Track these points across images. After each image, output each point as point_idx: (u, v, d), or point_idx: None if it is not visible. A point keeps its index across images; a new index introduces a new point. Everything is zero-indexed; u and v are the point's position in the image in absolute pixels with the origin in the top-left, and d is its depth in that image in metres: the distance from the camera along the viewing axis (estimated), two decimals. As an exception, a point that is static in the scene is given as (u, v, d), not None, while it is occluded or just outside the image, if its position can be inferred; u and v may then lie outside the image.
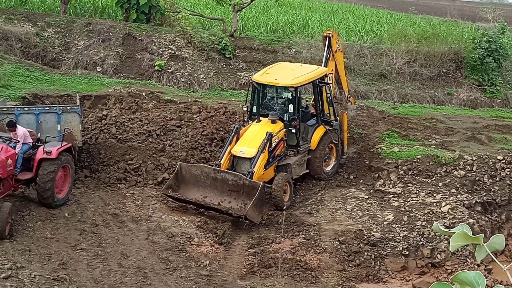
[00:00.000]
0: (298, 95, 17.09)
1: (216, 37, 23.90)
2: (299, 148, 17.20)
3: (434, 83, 24.65)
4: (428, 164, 17.19)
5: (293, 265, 13.95)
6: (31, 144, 14.98)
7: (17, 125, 14.83)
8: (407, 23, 30.21)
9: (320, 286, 13.37)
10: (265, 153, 15.92)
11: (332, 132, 17.90)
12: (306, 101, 18.25)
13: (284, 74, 17.47)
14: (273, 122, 16.72)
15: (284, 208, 15.78)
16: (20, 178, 14.59)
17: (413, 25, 29.19)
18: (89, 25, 23.06)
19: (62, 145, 15.06)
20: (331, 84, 18.17)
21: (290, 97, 17.18)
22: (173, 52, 23.02)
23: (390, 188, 16.75)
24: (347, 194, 16.75)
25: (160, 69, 22.24)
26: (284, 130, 16.83)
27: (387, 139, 19.13)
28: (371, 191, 16.86)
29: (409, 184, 16.72)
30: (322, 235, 14.96)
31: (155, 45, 23.07)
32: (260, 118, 16.95)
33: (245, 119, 17.51)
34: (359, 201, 16.32)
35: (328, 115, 18.08)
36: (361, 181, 17.45)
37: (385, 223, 15.35)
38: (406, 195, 16.32)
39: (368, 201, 16.33)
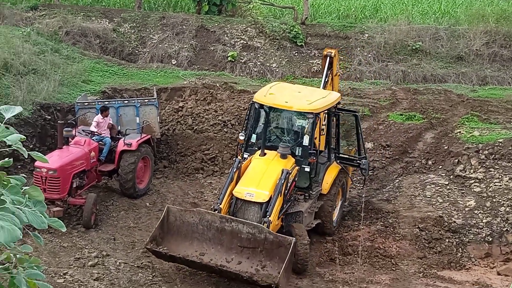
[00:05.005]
0: (316, 124, 13.62)
1: (287, 25, 23.83)
2: (311, 192, 13.75)
3: (515, 64, 23.65)
4: (510, 148, 16.55)
5: (372, 252, 13.85)
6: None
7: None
8: (484, 2, 29.07)
9: (400, 274, 13.20)
10: (281, 197, 12.44)
11: (346, 171, 15.12)
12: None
13: (293, 96, 13.99)
14: (283, 157, 13.15)
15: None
16: (103, 170, 15.14)
17: (491, 5, 28.07)
18: (163, 19, 23.51)
19: (142, 137, 15.51)
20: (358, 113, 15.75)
21: (306, 126, 13.71)
22: (245, 42, 23.14)
23: (471, 174, 16.25)
24: (426, 180, 16.39)
25: (233, 60, 22.42)
26: (297, 168, 13.35)
27: (466, 123, 18.55)
28: (451, 176, 16.41)
29: (491, 169, 16.16)
30: (401, 222, 14.75)
31: (227, 36, 23.26)
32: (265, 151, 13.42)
33: (240, 151, 14.02)
34: (439, 187, 15.94)
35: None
36: (440, 166, 17.01)
37: (466, 209, 14.95)
38: (488, 180, 15.80)
39: (448, 187, 15.93)
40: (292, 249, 11.28)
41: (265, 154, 13.29)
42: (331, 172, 14.37)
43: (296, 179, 13.23)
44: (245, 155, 13.68)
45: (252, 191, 12.36)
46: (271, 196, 12.28)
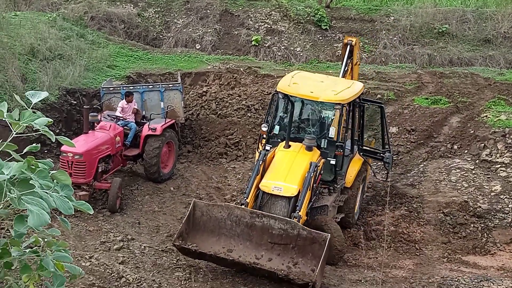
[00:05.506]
0: (344, 115, 13.29)
1: (312, 8, 23.68)
2: (335, 185, 13.35)
3: (545, 46, 23.22)
4: (538, 132, 16.32)
5: (396, 237, 13.82)
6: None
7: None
8: (513, -17, 28.54)
9: (424, 259, 13.15)
10: (309, 192, 11.95)
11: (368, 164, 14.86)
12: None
13: (317, 86, 13.42)
14: (309, 149, 12.64)
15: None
16: (128, 154, 15.29)
17: (520, -14, 27.55)
18: (187, 3, 23.53)
19: (166, 121, 15.61)
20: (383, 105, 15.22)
21: (332, 117, 13.33)
22: (269, 26, 23.06)
23: (497, 158, 16.07)
24: (451, 165, 16.26)
25: (257, 44, 22.37)
26: (323, 160, 12.86)
27: (493, 107, 18.30)
28: (477, 161, 16.25)
29: (517, 154, 15.97)
30: (425, 207, 14.68)
31: (251, 20, 23.20)
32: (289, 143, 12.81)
33: (261, 143, 13.42)
34: (464, 172, 15.80)
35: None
36: (466, 151, 16.85)
37: (492, 194, 14.80)
38: (515, 165, 15.63)
39: (473, 172, 15.78)
40: (327, 246, 10.75)
41: (289, 146, 12.73)
42: (355, 165, 13.99)
43: (321, 172, 12.73)
44: (267, 147, 13.14)
45: (280, 185, 11.83)
46: (299, 190, 11.83)
